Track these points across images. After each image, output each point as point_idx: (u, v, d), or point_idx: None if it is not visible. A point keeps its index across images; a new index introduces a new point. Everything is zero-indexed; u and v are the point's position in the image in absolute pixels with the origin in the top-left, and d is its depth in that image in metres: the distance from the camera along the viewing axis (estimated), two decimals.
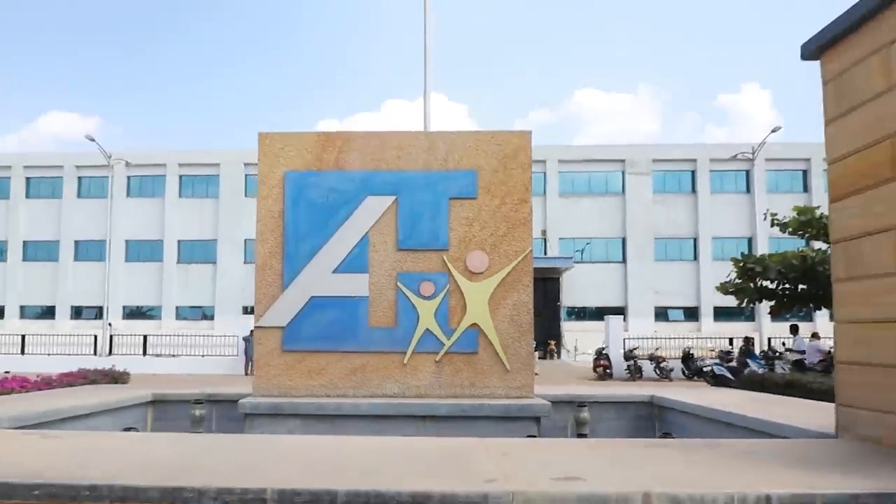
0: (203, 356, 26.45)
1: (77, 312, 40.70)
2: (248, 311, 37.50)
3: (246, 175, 40.71)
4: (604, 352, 23.37)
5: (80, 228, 40.87)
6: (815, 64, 2.39)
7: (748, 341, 22.31)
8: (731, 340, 28.91)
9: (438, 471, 1.59)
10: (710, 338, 32.84)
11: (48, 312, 40.63)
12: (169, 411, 3.51)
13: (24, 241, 41.25)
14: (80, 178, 41.29)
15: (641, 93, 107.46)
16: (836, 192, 2.02)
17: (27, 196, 41.69)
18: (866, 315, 1.87)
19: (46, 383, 12.46)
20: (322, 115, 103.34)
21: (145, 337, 27.02)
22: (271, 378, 2.47)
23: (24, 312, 41.03)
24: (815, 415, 3.08)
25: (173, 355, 25.80)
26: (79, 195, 41.36)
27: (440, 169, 2.52)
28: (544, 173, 40.65)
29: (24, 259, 41.18)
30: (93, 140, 27.65)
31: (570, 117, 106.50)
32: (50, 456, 1.67)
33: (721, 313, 38.78)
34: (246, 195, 40.65)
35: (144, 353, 25.95)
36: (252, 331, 23.06)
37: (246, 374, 24.79)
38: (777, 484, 1.34)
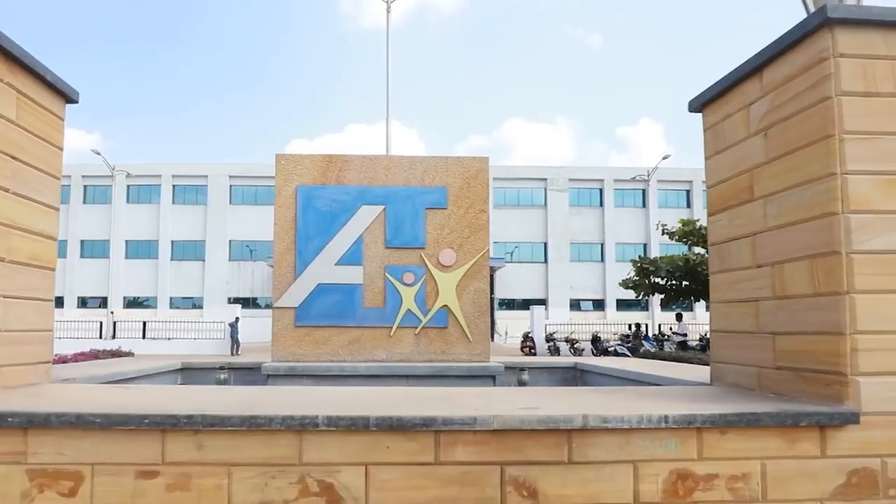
0: (195, 339, 25.67)
1: (83, 302, 39.11)
2: (231, 301, 36.72)
3: (230, 185, 39.84)
4: (529, 335, 23.74)
5: (85, 230, 39.32)
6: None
7: (639, 326, 23.05)
8: (629, 326, 29.78)
9: (437, 405, 1.77)
10: (614, 324, 33.73)
11: (57, 302, 38.62)
12: (195, 376, 3.54)
13: None
14: (85, 186, 39.76)
15: (559, 123, 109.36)
16: (712, 208, 2.30)
17: None
18: (732, 297, 2.14)
19: (62, 361, 12.06)
20: (294, 136, 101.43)
21: (144, 323, 26.10)
22: (287, 347, 2.58)
23: None
24: (695, 373, 3.39)
25: (169, 339, 24.96)
26: (84, 201, 39.79)
27: (418, 185, 2.67)
28: None
29: None
30: (98, 154, 26.60)
31: (502, 141, 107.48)
32: (142, 400, 1.73)
33: (622, 304, 39.90)
34: (230, 202, 39.80)
35: (144, 336, 25.02)
36: (237, 318, 22.47)
37: (232, 354, 24.20)
38: (671, 409, 1.55)
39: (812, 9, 1.84)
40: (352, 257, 2.57)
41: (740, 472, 1.42)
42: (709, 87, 2.04)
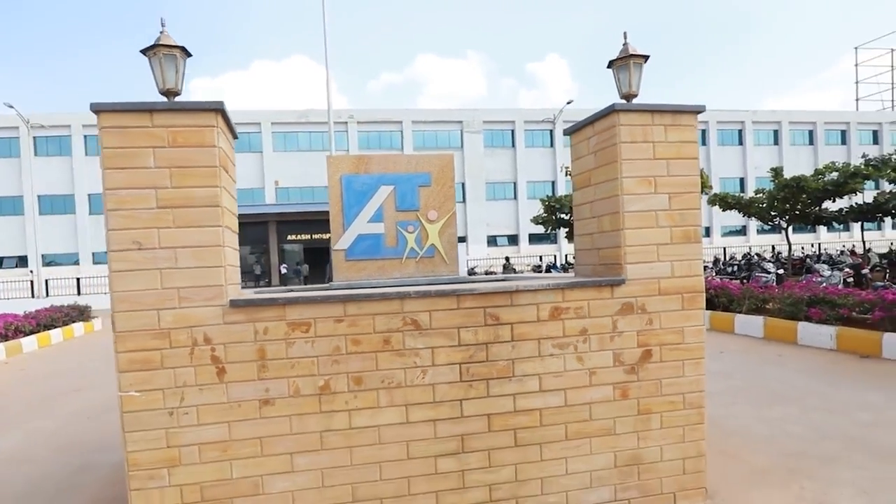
0: None
1: None
2: None
3: None
4: None
5: None
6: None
7: (542, 259, 25.95)
8: (540, 258, 32.73)
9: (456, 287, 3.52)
10: (527, 256, 36.73)
11: None
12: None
13: None
14: None
15: (470, 58, 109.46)
16: (574, 188, 4.14)
17: None
18: (581, 232, 4.04)
19: (34, 318, 12.94)
20: (195, 75, 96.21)
21: (78, 279, 26.04)
22: (341, 273, 4.22)
23: None
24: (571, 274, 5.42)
25: (105, 293, 25.08)
26: None
27: (413, 172, 4.31)
28: (401, 132, 42.04)
29: None
30: (11, 107, 25.43)
31: (414, 78, 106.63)
32: (324, 293, 3.21)
33: (534, 238, 43.10)
34: None
35: (79, 293, 25.10)
36: None
37: None
38: (552, 282, 3.37)
39: (623, 90, 3.71)
40: (376, 217, 4.24)
41: (579, 305, 3.41)
42: (575, 124, 3.92)
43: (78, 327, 14.75)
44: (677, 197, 3.50)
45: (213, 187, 2.95)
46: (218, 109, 2.98)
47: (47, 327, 13.39)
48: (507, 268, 23.54)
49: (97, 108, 2.86)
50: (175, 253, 2.92)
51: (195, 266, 2.94)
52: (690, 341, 3.52)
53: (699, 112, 3.57)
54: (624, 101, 3.57)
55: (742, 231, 45.73)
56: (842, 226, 22.89)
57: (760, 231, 44.10)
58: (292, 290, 3.84)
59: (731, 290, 11.03)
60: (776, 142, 47.11)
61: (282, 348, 3.06)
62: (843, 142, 48.07)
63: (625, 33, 3.71)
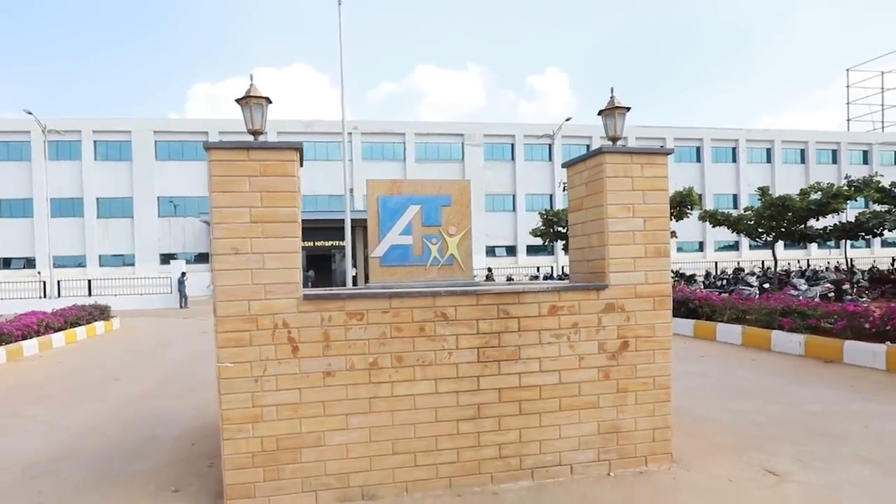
0: (142, 294, 26.85)
1: (6, 263, 38.20)
2: (165, 259, 37.25)
3: (155, 141, 39.52)
4: None
5: (3, 188, 37.95)
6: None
7: (538, 269, 26.89)
8: (537, 269, 33.63)
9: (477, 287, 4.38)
10: (524, 267, 37.69)
11: None
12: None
13: None
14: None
15: (471, 70, 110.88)
16: (569, 211, 5.09)
17: None
18: (574, 246, 4.96)
19: (62, 316, 13.78)
20: (196, 79, 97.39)
21: (89, 281, 26.81)
22: (377, 277, 5.05)
23: None
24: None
25: (115, 294, 25.95)
26: None
27: (437, 194, 5.19)
28: (404, 144, 43.01)
29: None
30: (30, 113, 26.28)
31: (414, 88, 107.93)
32: (372, 291, 4.09)
33: (532, 250, 44.05)
34: (156, 158, 39.59)
35: (90, 293, 25.87)
36: (184, 272, 23.94)
37: (180, 307, 25.65)
38: (551, 287, 4.25)
39: (609, 133, 4.65)
40: (406, 231, 5.10)
41: (571, 304, 4.32)
42: (570, 160, 4.86)
43: (99, 326, 15.58)
44: (651, 220, 4.43)
45: (292, 207, 3.87)
46: (297, 148, 3.91)
47: (73, 325, 14.23)
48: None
49: (208, 146, 3.78)
50: (263, 257, 3.84)
51: (278, 268, 3.85)
52: (660, 335, 4.44)
53: (669, 154, 4.51)
54: (610, 143, 4.51)
55: (735, 246, 46.77)
56: (832, 242, 23.81)
57: (753, 247, 45.12)
58: (346, 290, 4.74)
59: (714, 301, 11.96)
60: (769, 160, 48.30)
61: (341, 332, 3.97)
62: (834, 161, 49.30)
63: (612, 88, 4.65)
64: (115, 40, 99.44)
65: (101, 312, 16.27)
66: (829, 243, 28.93)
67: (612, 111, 4.60)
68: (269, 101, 4.15)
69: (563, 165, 5.01)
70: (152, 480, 4.57)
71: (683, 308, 12.41)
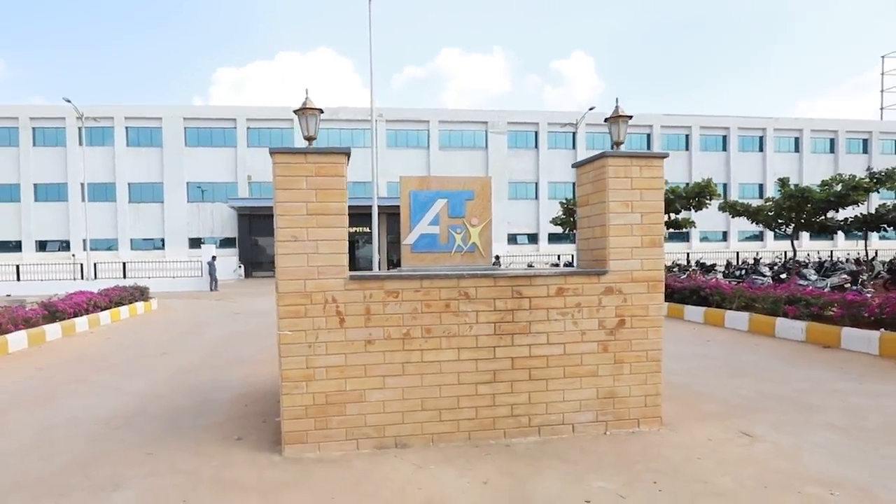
0: (174, 277, 28.02)
1: (41, 245, 39.98)
2: (194, 243, 38.61)
3: (185, 128, 40.77)
4: None
5: (38, 173, 39.64)
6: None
7: (559, 258, 27.45)
8: (557, 257, 34.22)
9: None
10: (546, 255, 38.32)
11: (16, 246, 39.53)
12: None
13: None
14: (34, 128, 39.70)
15: (496, 54, 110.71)
16: (578, 206, 5.83)
17: None
18: (582, 237, 5.74)
19: (107, 296, 14.90)
20: (220, 64, 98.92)
21: (124, 263, 28.12)
22: (408, 262, 5.80)
23: None
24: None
25: (149, 277, 27.12)
26: (34, 144, 39.81)
27: (461, 189, 5.93)
28: (428, 131, 43.68)
29: None
30: (69, 101, 27.54)
31: (438, 73, 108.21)
32: (403, 272, 4.88)
33: (553, 238, 44.55)
34: (186, 144, 40.86)
35: (124, 275, 27.10)
36: (214, 256, 25.15)
37: (210, 290, 26.84)
38: (560, 272, 5.00)
39: (613, 138, 5.37)
40: (434, 221, 5.81)
41: (576, 286, 5.08)
42: (579, 161, 5.59)
43: (139, 306, 16.71)
44: (647, 215, 5.15)
45: (341, 202, 4.69)
46: (346, 153, 4.72)
47: (117, 304, 15.36)
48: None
49: (273, 151, 4.61)
50: (317, 244, 4.66)
51: (329, 252, 4.68)
52: (653, 314, 5.18)
53: (664, 157, 5.22)
54: (613, 148, 5.23)
55: (760, 237, 46.73)
56: (860, 234, 24.03)
57: (777, 237, 45.04)
58: (384, 272, 5.56)
59: (724, 289, 12.57)
60: (797, 149, 47.96)
61: (380, 307, 4.79)
62: (865, 150, 48.75)
63: (616, 98, 5.37)
64: (140, 25, 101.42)
65: (141, 293, 17.40)
66: (857, 234, 29.05)
67: (616, 119, 5.32)
68: (321, 111, 4.95)
69: (573, 166, 5.75)
70: (217, 432, 5.46)
71: (695, 296, 13.04)
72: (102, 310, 14.52)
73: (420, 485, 4.11)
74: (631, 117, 5.35)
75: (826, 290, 13.12)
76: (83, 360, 9.41)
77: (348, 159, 4.83)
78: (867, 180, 19.56)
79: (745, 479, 4.15)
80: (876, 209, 19.81)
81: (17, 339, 10.39)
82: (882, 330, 8.64)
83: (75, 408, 6.38)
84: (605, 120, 5.43)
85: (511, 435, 5.00)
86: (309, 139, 4.88)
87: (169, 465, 4.58)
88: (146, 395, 7.07)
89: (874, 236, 42.34)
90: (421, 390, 4.86)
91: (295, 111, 4.93)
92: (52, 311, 12.18)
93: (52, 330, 11.64)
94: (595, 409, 5.13)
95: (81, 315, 13.33)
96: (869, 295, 10.33)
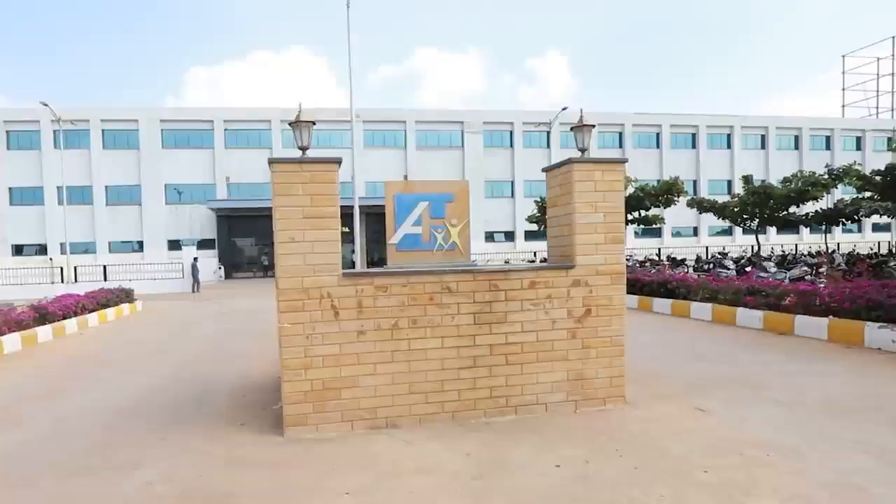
0: (154, 279, 28.02)
1: (18, 250, 39.46)
2: (172, 245, 38.47)
3: (161, 130, 40.58)
4: None
5: (14, 177, 39.13)
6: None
7: (535, 254, 28.18)
8: (534, 253, 34.90)
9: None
10: (522, 252, 39.01)
11: None
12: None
13: None
14: (7, 132, 39.13)
15: (471, 53, 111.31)
16: (548, 206, 6.39)
17: None
18: (551, 235, 6.30)
19: (94, 298, 15.11)
20: (193, 62, 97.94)
21: (105, 267, 28.04)
22: (394, 259, 6.26)
23: None
24: None
25: (129, 280, 27.09)
26: (8, 147, 39.29)
27: (441, 192, 6.43)
28: (404, 131, 44.06)
29: None
30: (46, 105, 27.40)
31: (413, 72, 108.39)
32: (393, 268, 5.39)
33: (529, 235, 45.22)
34: (163, 146, 40.67)
35: (105, 278, 27.06)
36: (196, 258, 25.28)
37: (193, 292, 26.94)
38: (532, 267, 5.53)
39: (579, 145, 5.93)
40: (417, 222, 6.23)
41: (547, 280, 5.64)
42: (549, 166, 6.14)
43: (125, 308, 16.92)
44: (609, 215, 5.73)
45: (334, 206, 5.17)
46: (338, 162, 5.20)
47: (104, 306, 15.57)
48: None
49: (272, 161, 5.08)
50: (312, 245, 5.14)
51: (323, 252, 5.16)
52: (616, 304, 5.76)
53: (625, 163, 5.80)
54: (579, 154, 5.80)
55: (729, 231, 48.05)
56: (823, 227, 25.15)
57: (746, 232, 46.38)
58: (374, 270, 6.05)
59: (690, 282, 13.30)
60: (763, 146, 49.43)
61: (371, 301, 5.28)
62: (828, 147, 50.43)
63: (581, 109, 5.94)
64: (110, 25, 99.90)
65: (126, 296, 17.60)
66: (821, 228, 30.27)
67: (580, 127, 5.89)
68: (313, 123, 5.43)
69: (543, 170, 6.30)
70: (221, 419, 5.91)
71: (663, 289, 13.75)
72: (90, 312, 14.74)
73: (411, 457, 4.62)
74: (594, 126, 5.92)
75: (785, 281, 13.92)
76: (80, 359, 9.72)
77: (339, 165, 5.31)
78: (825, 177, 20.54)
79: (694, 445, 4.74)
80: (834, 204, 20.81)
81: (11, 341, 10.65)
82: (831, 317, 9.37)
83: (83, 401, 6.77)
84: (571, 129, 5.99)
85: (491, 414, 5.53)
86: (303, 149, 5.36)
87: (182, 447, 5.03)
88: (148, 388, 7.45)
89: (837, 230, 43.94)
90: (409, 375, 5.37)
91: (290, 123, 5.40)
92: (43, 314, 12.40)
93: (44, 332, 11.89)
94: (566, 389, 5.69)
95: (70, 317, 13.55)
96: (821, 286, 11.09)
